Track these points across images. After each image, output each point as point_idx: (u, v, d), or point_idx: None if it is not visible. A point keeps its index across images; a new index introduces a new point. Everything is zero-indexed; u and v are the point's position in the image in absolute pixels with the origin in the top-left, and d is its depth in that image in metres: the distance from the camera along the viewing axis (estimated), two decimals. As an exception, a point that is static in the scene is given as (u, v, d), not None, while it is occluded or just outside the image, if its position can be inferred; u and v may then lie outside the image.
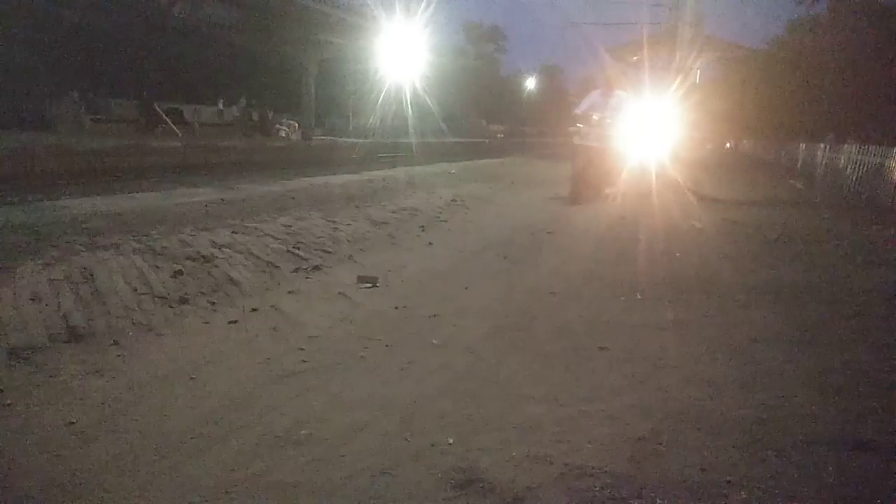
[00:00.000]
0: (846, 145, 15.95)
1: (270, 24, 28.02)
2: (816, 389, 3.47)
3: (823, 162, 17.91)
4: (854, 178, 14.71)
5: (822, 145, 18.72)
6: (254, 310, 4.76)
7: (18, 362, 3.55)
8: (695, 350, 4.11)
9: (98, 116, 22.46)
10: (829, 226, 9.69)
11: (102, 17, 22.44)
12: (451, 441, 2.87)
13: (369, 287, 5.56)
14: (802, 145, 21.47)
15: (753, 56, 34.72)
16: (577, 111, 12.51)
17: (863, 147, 14.49)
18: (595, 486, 2.52)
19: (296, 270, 5.89)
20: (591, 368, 3.78)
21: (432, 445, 2.84)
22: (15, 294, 4.19)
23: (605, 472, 2.62)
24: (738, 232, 8.78)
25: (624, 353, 4.04)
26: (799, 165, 21.14)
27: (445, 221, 9.21)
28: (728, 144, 44.36)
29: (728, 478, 2.59)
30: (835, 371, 3.75)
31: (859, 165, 14.51)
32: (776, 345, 4.22)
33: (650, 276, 6.11)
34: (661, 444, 2.85)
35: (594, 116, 11.97)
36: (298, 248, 6.46)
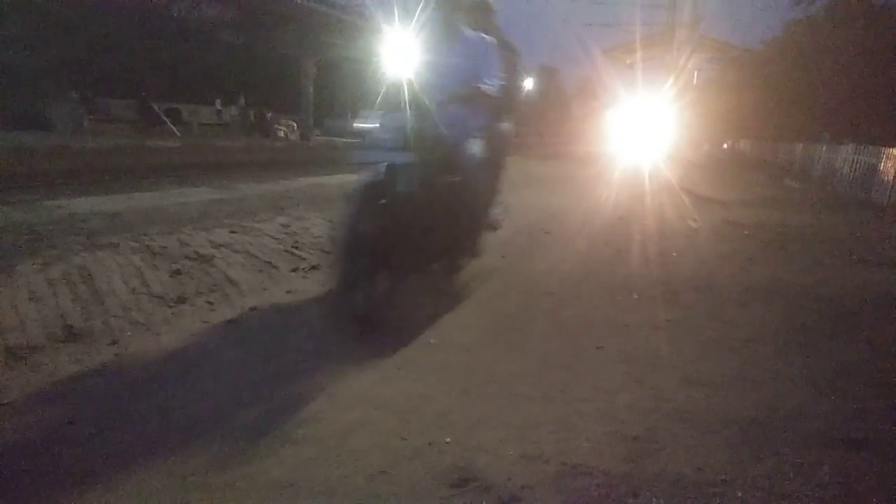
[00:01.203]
0: (842, 145, 16.00)
1: (269, 24, 28.03)
2: (812, 389, 3.49)
3: (820, 162, 17.97)
4: (850, 178, 14.77)
5: (818, 145, 18.78)
6: (252, 309, 4.77)
7: (16, 362, 3.55)
8: (690, 350, 4.12)
9: (96, 116, 22.43)
10: (825, 225, 9.71)
11: (101, 18, 22.42)
12: (448, 440, 2.88)
13: (367, 287, 5.55)
14: (799, 145, 21.53)
15: (750, 56, 34.80)
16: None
17: (859, 147, 14.55)
18: (591, 485, 2.54)
19: (294, 270, 5.89)
20: (588, 368, 3.79)
21: (429, 444, 2.85)
22: (13, 294, 4.20)
23: (601, 471, 2.63)
24: (735, 232, 8.80)
25: (620, 352, 4.06)
26: (796, 165, 21.21)
27: (443, 221, 9.19)
28: (725, 145, 44.43)
29: (723, 477, 2.60)
30: (831, 370, 3.77)
31: (855, 165, 14.58)
32: (772, 344, 4.24)
33: (646, 276, 6.13)
34: (656, 443, 2.86)
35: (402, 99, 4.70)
36: (296, 248, 6.46)
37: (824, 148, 17.82)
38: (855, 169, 14.49)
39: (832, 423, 3.08)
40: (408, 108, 4.48)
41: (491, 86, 4.85)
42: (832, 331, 4.55)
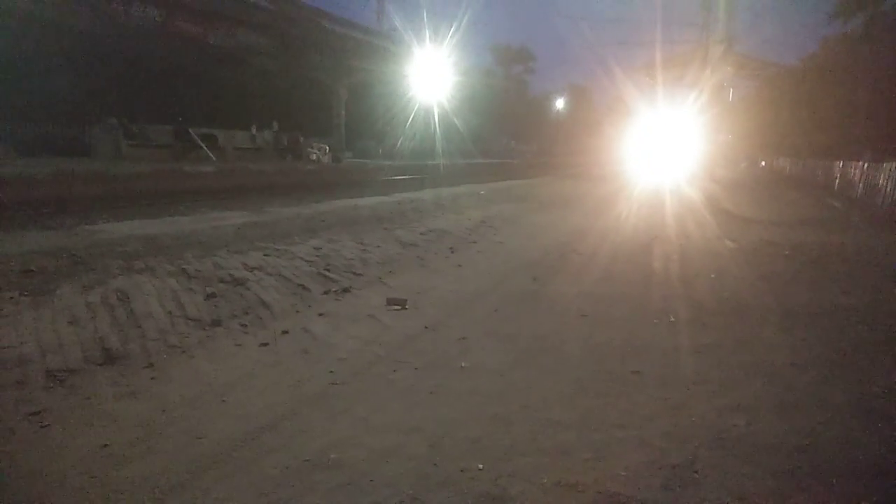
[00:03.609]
0: (885, 163, 15.60)
1: (302, 50, 28.65)
2: (858, 415, 3.36)
3: (861, 180, 17.53)
4: (893, 197, 14.38)
5: (859, 163, 18.36)
6: (284, 332, 4.80)
7: (55, 384, 3.62)
8: (731, 375, 4.01)
9: (135, 142, 23.05)
10: (868, 245, 9.44)
11: (140, 46, 23.17)
12: (480, 466, 2.84)
13: (398, 309, 5.57)
14: (839, 163, 21.07)
15: (786, 73, 34.39)
16: None
17: (902, 164, 14.18)
18: (628, 515, 2.47)
19: (326, 293, 5.93)
20: (624, 393, 3.72)
21: (461, 471, 2.81)
22: (53, 317, 4.29)
23: (639, 500, 2.56)
24: (774, 252, 8.60)
25: (657, 377, 3.97)
26: (836, 184, 20.71)
27: (475, 243, 9.20)
28: (762, 163, 43.73)
29: (767, 508, 2.51)
30: (877, 396, 3.63)
31: (899, 183, 14.19)
32: (815, 369, 4.11)
33: (684, 298, 6.02)
34: (696, 471, 2.78)
35: None
36: (328, 271, 6.51)
37: (865, 166, 17.40)
38: (898, 187, 14.13)
39: (880, 452, 2.96)
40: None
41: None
42: (878, 355, 4.39)
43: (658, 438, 3.10)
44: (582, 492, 2.63)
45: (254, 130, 29.15)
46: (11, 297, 4.48)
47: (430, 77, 31.69)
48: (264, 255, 6.56)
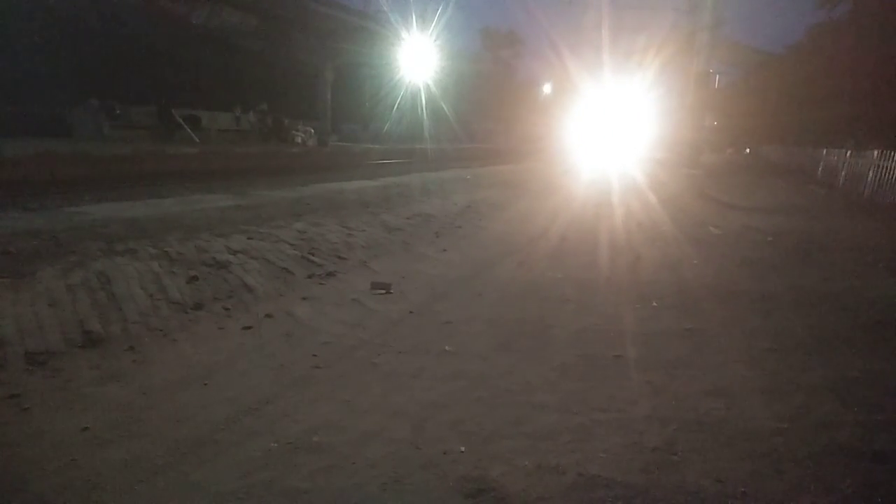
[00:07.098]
0: (868, 151, 15.75)
1: (287, 31, 28.28)
2: (836, 399, 3.42)
3: (844, 168, 17.71)
4: (876, 184, 14.54)
5: (843, 151, 18.52)
6: (268, 315, 4.78)
7: (35, 367, 3.58)
8: (712, 359, 4.06)
9: (116, 123, 22.69)
10: (850, 232, 9.56)
11: (122, 25, 22.76)
12: (462, 449, 2.86)
13: (383, 293, 5.56)
14: (823, 151, 21.23)
15: (772, 61, 34.53)
16: None
17: (885, 152, 14.31)
18: (608, 498, 2.50)
19: (310, 276, 5.90)
20: (606, 377, 3.75)
21: (444, 453, 2.83)
22: (33, 299, 4.23)
23: (619, 482, 2.59)
24: (757, 239, 8.68)
25: (639, 361, 4.01)
26: (820, 171, 20.89)
27: (460, 228, 9.20)
28: (747, 150, 44.01)
29: (744, 489, 2.55)
30: (855, 381, 3.69)
31: (881, 171, 14.34)
32: (795, 354, 4.16)
33: (667, 284, 6.06)
34: (675, 454, 2.82)
35: None
36: (313, 254, 6.48)
37: (849, 153, 17.57)
38: (880, 175, 14.29)
39: (857, 435, 3.01)
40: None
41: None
42: (858, 341, 4.46)
43: (639, 421, 3.13)
44: (562, 474, 2.65)
45: (237, 112, 28.80)
46: (-10, 279, 4.41)
47: (417, 60, 31.45)
48: (248, 238, 6.50)
